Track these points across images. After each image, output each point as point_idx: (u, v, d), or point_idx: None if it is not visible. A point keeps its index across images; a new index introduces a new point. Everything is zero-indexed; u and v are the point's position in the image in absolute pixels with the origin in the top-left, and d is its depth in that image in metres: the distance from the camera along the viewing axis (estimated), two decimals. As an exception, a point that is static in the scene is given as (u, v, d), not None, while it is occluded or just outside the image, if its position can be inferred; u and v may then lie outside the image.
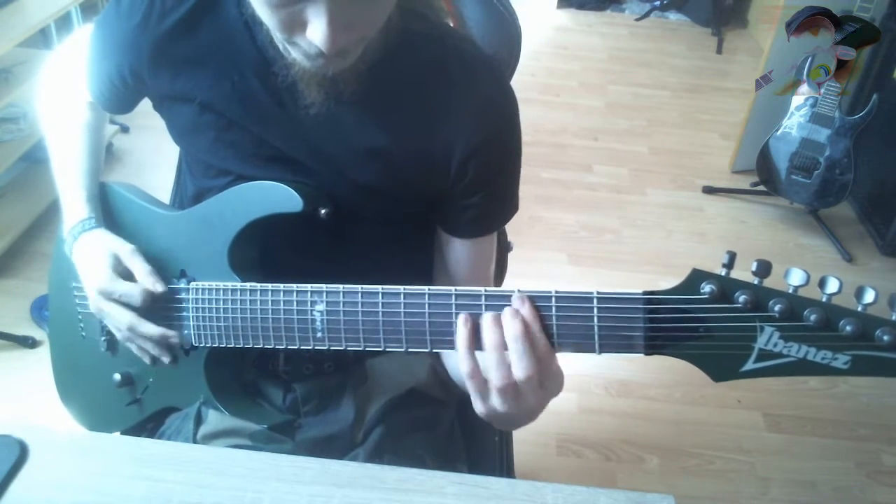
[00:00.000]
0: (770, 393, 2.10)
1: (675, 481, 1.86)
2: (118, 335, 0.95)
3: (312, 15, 0.70)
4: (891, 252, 2.65)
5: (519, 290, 0.73)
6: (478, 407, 0.77)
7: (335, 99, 0.84)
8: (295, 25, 0.72)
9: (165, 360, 0.94)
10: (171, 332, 0.92)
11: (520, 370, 0.72)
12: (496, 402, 0.75)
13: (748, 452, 1.94)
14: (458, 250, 0.98)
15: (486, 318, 0.74)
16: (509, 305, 0.73)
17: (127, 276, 0.92)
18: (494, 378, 0.73)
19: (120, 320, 0.91)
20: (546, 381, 0.74)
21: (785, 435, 2.01)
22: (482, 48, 0.94)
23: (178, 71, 0.90)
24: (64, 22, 2.60)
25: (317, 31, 0.70)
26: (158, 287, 0.90)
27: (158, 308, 0.93)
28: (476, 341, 0.74)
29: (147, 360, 0.95)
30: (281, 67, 0.83)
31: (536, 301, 0.73)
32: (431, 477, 0.79)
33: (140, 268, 0.91)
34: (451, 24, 0.99)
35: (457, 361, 0.76)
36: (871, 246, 2.71)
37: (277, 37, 0.77)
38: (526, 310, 0.72)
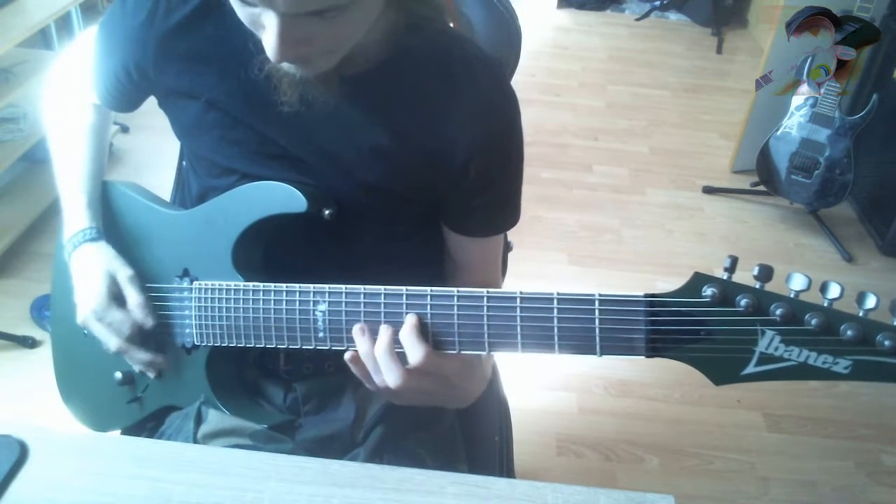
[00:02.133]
0: (770, 393, 2.10)
1: (675, 481, 1.86)
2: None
3: (267, 22, 0.70)
4: (891, 252, 2.65)
5: (521, 292, 0.73)
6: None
7: (308, 103, 0.84)
8: (257, 27, 0.73)
9: (150, 374, 0.96)
10: (158, 359, 0.94)
11: (389, 379, 0.79)
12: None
13: (748, 452, 1.95)
14: (465, 246, 0.99)
15: (355, 329, 0.80)
16: (511, 306, 0.74)
17: (120, 297, 0.93)
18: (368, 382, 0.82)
19: (107, 343, 0.93)
20: (426, 380, 0.79)
21: (785, 435, 2.01)
22: (484, 49, 0.94)
23: (183, 68, 0.90)
24: (64, 22, 2.60)
25: (268, 40, 0.71)
26: (149, 322, 0.92)
27: (161, 307, 0.93)
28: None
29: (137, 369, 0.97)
30: (259, 61, 0.83)
31: (538, 302, 0.73)
32: (431, 477, 0.79)
33: (134, 298, 0.92)
34: (452, 25, 0.99)
35: None
36: (871, 246, 2.71)
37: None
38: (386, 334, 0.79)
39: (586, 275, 2.50)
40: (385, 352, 0.78)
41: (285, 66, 0.78)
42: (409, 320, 0.77)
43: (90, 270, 0.94)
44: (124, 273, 0.93)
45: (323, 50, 0.75)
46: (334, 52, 0.78)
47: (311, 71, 0.79)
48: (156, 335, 0.95)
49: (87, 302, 0.93)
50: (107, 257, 0.95)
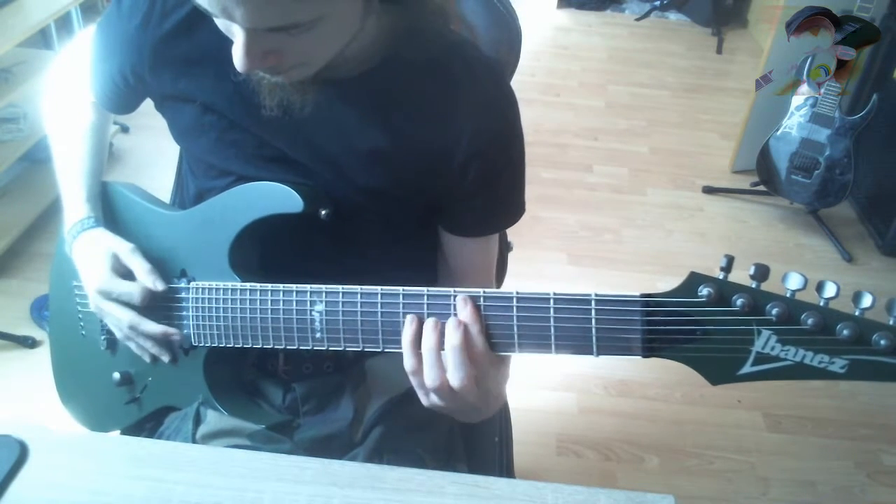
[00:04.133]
0: (770, 393, 2.10)
1: (675, 481, 1.86)
2: (118, 334, 0.95)
3: (236, 32, 0.71)
4: (891, 252, 2.65)
5: (518, 292, 0.73)
6: (422, 400, 0.80)
7: (286, 108, 0.84)
8: (230, 34, 0.73)
9: (165, 358, 0.94)
10: (172, 330, 0.92)
11: (455, 379, 0.74)
12: (434, 398, 0.78)
13: (748, 452, 1.95)
14: (460, 248, 0.99)
15: (428, 323, 0.76)
16: (508, 306, 0.74)
17: (126, 275, 0.92)
18: (428, 379, 0.75)
19: (120, 319, 0.92)
20: (484, 382, 0.76)
21: (785, 435, 2.01)
22: (483, 50, 0.94)
23: (179, 71, 0.90)
24: (64, 22, 2.60)
25: (235, 51, 0.72)
26: (159, 285, 0.91)
27: (158, 307, 0.93)
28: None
29: (147, 359, 0.96)
30: None
31: (534, 302, 0.73)
32: (431, 477, 0.79)
33: (140, 266, 0.92)
34: (452, 26, 1.00)
35: None
36: (871, 246, 2.71)
37: None
38: (467, 314, 0.74)
39: (586, 275, 2.50)
40: (458, 348, 0.73)
41: (260, 72, 0.79)
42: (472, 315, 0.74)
43: (91, 254, 0.94)
44: (125, 247, 0.93)
45: (294, 62, 0.76)
46: (308, 65, 0.78)
47: (286, 80, 0.80)
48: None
49: (93, 283, 0.92)
50: (106, 239, 0.95)
